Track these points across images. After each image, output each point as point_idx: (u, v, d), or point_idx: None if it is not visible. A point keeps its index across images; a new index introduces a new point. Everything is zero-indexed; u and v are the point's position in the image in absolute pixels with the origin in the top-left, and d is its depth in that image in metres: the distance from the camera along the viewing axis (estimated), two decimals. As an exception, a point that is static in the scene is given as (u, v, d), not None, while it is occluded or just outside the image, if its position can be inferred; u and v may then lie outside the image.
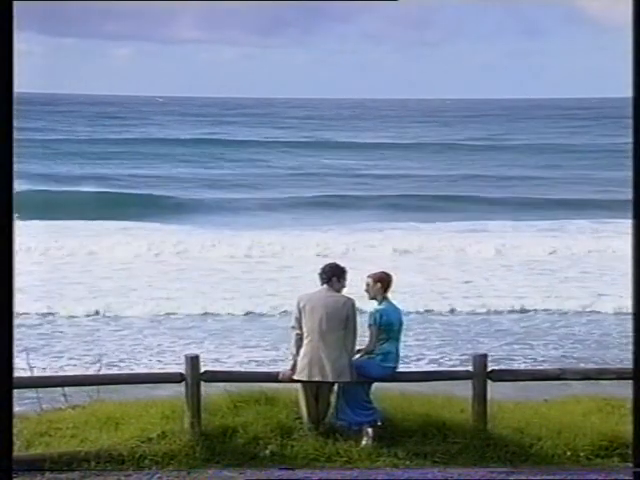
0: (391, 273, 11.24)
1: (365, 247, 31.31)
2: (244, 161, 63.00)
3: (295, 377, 10.84)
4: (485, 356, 11.17)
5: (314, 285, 11.13)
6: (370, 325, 10.92)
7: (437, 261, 30.04)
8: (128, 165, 59.97)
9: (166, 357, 18.95)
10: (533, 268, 29.10)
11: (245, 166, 60.61)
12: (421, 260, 30.06)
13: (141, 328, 21.53)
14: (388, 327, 10.92)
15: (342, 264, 11.19)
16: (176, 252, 30.70)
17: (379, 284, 11.06)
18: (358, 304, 11.03)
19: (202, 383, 10.83)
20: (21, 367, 12.66)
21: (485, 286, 26.15)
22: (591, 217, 39.16)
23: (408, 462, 10.49)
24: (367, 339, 11.00)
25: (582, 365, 17.72)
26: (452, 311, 23.28)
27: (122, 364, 18.40)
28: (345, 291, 11.06)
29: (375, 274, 11.17)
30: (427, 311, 23.01)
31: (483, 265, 29.32)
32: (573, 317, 22.99)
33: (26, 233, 28.25)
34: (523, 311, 23.38)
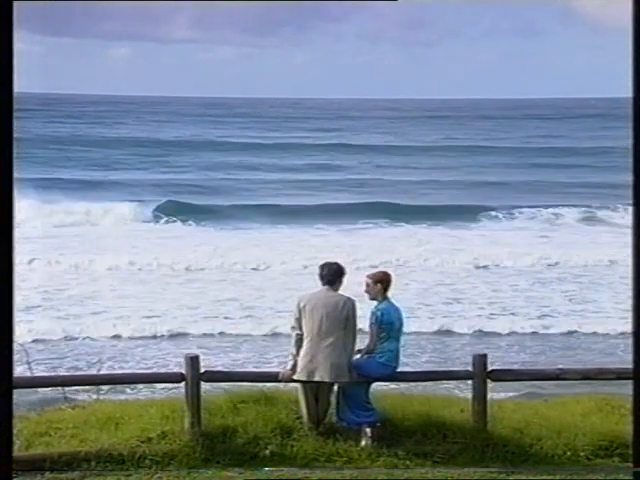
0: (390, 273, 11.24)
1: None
2: (238, 162, 61.97)
3: (295, 377, 10.83)
4: (485, 356, 11.15)
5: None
6: (371, 324, 10.91)
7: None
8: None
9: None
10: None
11: (241, 168, 59.67)
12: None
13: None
14: (389, 326, 10.90)
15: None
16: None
17: (379, 284, 11.05)
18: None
19: (202, 383, 10.84)
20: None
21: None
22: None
23: (408, 462, 10.48)
24: (367, 339, 11.00)
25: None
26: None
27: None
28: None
29: (375, 274, 11.15)
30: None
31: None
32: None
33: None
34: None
